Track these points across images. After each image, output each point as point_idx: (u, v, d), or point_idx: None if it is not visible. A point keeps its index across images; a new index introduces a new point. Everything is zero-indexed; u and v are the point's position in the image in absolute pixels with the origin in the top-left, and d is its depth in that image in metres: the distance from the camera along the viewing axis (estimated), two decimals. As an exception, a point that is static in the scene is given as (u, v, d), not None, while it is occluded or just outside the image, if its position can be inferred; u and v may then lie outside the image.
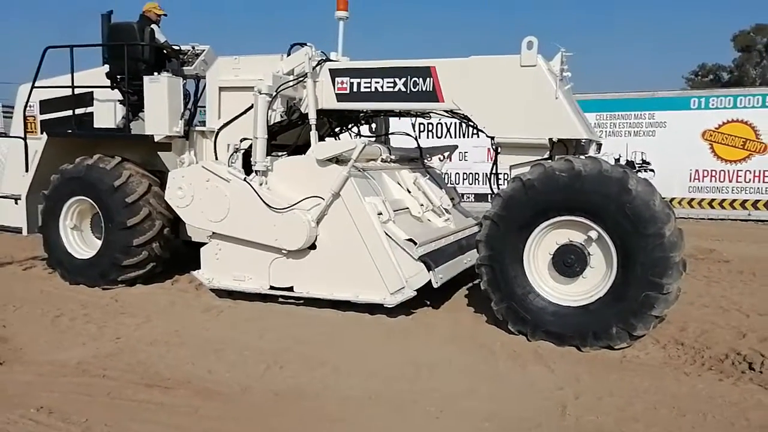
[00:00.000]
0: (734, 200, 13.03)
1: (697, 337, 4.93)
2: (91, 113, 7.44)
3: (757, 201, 12.88)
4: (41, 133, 7.56)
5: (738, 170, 12.97)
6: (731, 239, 10.28)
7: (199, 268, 6.34)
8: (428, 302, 5.82)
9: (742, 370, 4.28)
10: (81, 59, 7.20)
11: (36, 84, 7.37)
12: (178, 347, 4.78)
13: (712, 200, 13.15)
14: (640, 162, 13.45)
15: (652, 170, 13.20)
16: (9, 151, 8.10)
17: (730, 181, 13.02)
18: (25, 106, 7.36)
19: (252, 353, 4.62)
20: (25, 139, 7.38)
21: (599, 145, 6.12)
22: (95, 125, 7.35)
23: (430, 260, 5.60)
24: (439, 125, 14.54)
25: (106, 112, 7.39)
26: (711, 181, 13.14)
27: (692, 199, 13.17)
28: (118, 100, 7.32)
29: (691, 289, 6.34)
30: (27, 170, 7.26)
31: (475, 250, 5.18)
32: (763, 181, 12.87)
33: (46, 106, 7.68)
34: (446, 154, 7.89)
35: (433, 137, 14.57)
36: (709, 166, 13.14)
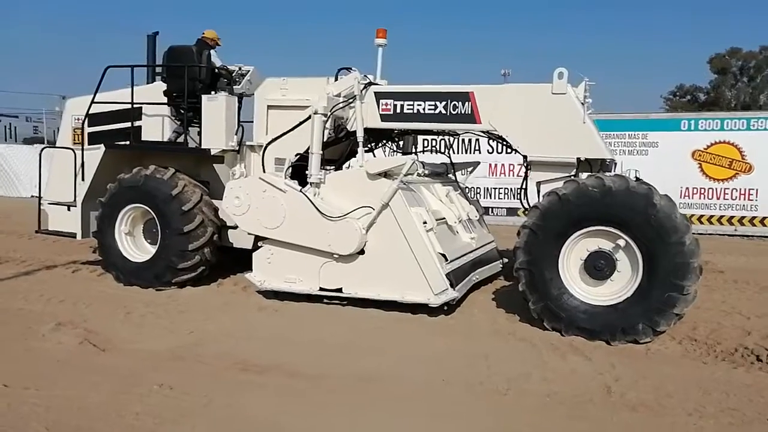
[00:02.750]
0: (721, 216, 13.87)
1: (708, 335, 5.59)
2: (139, 127, 7.96)
3: (742, 217, 13.74)
4: (89, 144, 8.06)
5: (725, 188, 13.83)
6: (722, 252, 11.05)
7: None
8: (445, 307, 6.10)
9: (751, 361, 4.96)
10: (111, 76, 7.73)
11: (84, 99, 7.85)
12: (251, 340, 5.33)
13: (701, 216, 13.97)
14: (634, 179, 14.18)
15: (645, 187, 13.98)
16: (55, 161, 8.55)
17: (718, 199, 13.88)
18: (84, 120, 7.80)
19: (319, 344, 5.18)
20: (81, 150, 7.79)
21: (615, 164, 6.83)
22: (143, 138, 7.87)
23: (454, 279, 6.14)
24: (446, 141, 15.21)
25: (154, 126, 7.92)
26: (700, 198, 13.98)
27: (682, 215, 13.93)
28: (165, 115, 7.86)
29: (695, 295, 7.05)
30: (83, 179, 7.72)
31: (497, 260, 5.59)
32: (748, 199, 13.75)
33: (93, 119, 8.15)
34: (470, 169, 8.56)
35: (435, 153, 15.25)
36: (698, 184, 13.97)
